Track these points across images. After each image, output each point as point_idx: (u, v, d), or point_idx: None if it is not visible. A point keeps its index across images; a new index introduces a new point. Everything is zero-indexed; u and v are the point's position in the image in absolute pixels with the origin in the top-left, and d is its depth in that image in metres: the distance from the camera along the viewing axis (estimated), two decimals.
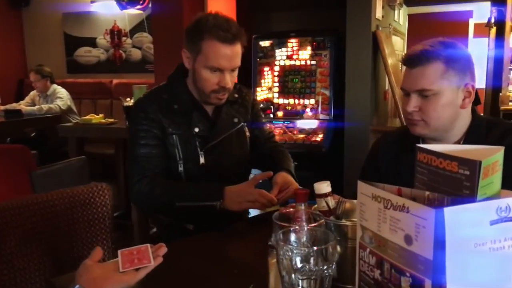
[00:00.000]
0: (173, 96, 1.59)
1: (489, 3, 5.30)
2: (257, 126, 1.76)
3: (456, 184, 0.68)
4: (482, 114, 1.38)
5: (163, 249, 0.97)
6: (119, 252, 0.95)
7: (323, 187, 0.97)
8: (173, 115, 1.56)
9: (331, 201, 0.97)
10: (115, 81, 5.42)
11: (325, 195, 0.97)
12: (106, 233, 1.58)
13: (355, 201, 1.05)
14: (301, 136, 3.48)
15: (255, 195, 1.39)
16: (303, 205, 0.90)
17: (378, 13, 3.51)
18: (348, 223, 0.92)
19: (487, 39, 5.58)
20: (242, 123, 1.67)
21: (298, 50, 3.65)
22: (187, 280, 1.10)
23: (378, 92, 3.79)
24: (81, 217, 1.51)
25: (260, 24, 4.06)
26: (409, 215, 0.66)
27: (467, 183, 0.66)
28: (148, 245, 0.97)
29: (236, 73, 1.55)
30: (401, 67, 4.36)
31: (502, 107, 4.69)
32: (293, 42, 3.66)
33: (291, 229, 0.78)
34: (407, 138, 1.38)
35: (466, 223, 0.63)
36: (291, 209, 0.90)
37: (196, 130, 1.57)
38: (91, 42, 5.73)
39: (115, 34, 5.40)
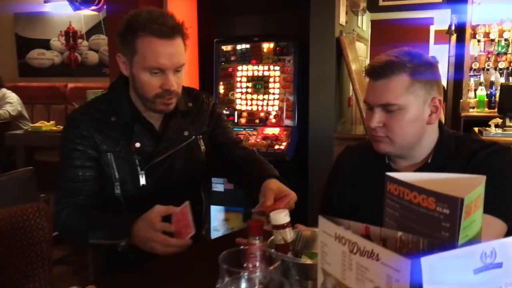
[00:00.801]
0: (111, 107, 1.40)
1: (449, 10, 5.38)
2: (222, 131, 1.57)
3: (434, 224, 0.57)
4: (449, 130, 1.31)
5: None
6: None
7: (281, 217, 0.84)
8: (109, 129, 1.37)
9: (290, 233, 0.85)
10: (70, 85, 5.18)
11: (282, 227, 0.84)
12: (44, 260, 1.41)
13: (316, 229, 0.94)
14: (265, 143, 3.37)
15: (157, 240, 1.12)
16: (257, 239, 0.78)
17: (342, 18, 3.46)
18: (308, 261, 0.80)
19: (447, 45, 5.67)
20: (194, 137, 1.48)
21: (261, 55, 3.55)
22: None
23: (342, 99, 3.74)
24: (14, 243, 1.34)
25: (222, 28, 3.93)
26: (379, 264, 0.54)
27: (447, 224, 0.56)
28: None
29: (182, 74, 1.36)
30: (364, 77, 4.34)
31: (463, 114, 4.74)
32: (256, 47, 3.55)
33: (241, 274, 0.65)
34: (372, 153, 1.28)
35: (446, 274, 0.52)
36: (242, 247, 0.78)
37: (138, 145, 1.38)
38: (45, 44, 5.48)
39: (70, 36, 5.15)
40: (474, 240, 0.59)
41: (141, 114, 1.41)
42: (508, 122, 3.32)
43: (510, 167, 1.15)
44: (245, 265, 0.74)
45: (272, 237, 0.87)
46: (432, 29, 6.73)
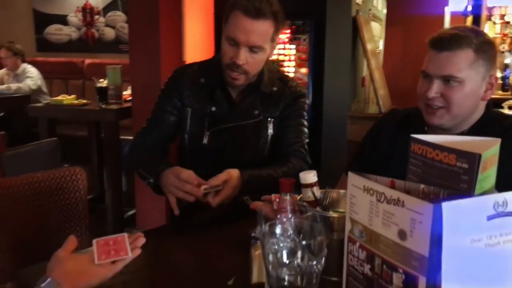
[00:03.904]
0: (205, 70, 1.56)
1: None
2: (290, 125, 1.55)
3: (453, 178, 0.65)
4: (496, 109, 1.34)
5: (141, 240, 0.92)
6: (94, 242, 0.89)
7: (309, 177, 0.93)
8: (198, 88, 1.54)
9: (317, 191, 0.94)
10: (87, 61, 5.25)
11: (311, 185, 0.93)
12: (80, 219, 1.52)
13: (341, 191, 1.03)
14: None
15: (180, 183, 1.27)
16: (288, 195, 0.86)
17: None
18: (335, 214, 0.89)
19: None
20: (262, 117, 1.52)
21: None
22: (166, 273, 1.05)
23: (356, 78, 3.78)
24: (53, 203, 1.45)
25: None
26: (404, 210, 0.63)
27: (465, 177, 0.64)
28: (125, 235, 0.92)
29: (258, 56, 1.42)
30: (377, 50, 4.36)
31: None
32: None
33: (278, 221, 0.74)
34: (413, 118, 1.33)
35: (463, 218, 0.61)
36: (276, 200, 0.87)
37: (213, 109, 1.52)
38: (62, 20, 5.51)
39: (87, 12, 5.22)
40: (488, 193, 0.67)
41: (225, 82, 1.52)
42: None
43: None
44: (278, 216, 0.82)
45: (301, 195, 0.96)
46: (448, 11, 6.66)
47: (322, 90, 3.37)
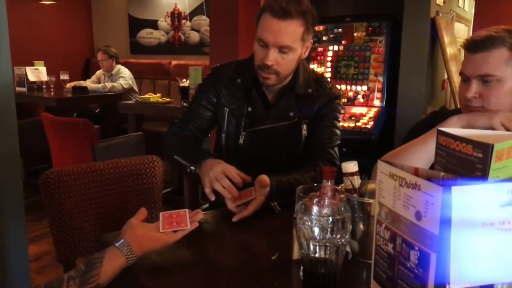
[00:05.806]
0: (241, 70, 1.59)
1: None
2: (324, 125, 1.57)
3: (470, 166, 0.70)
4: None
5: (199, 215, 1.07)
6: (160, 214, 1.05)
7: (350, 166, 1.01)
8: (234, 88, 1.58)
9: (357, 181, 1.02)
10: (173, 62, 5.62)
11: (351, 174, 1.01)
12: (155, 202, 1.71)
13: None
14: (351, 122, 3.47)
15: (220, 178, 1.30)
16: (329, 182, 0.95)
17: None
18: (371, 201, 0.96)
19: None
20: (297, 119, 1.54)
21: (353, 35, 3.61)
22: (215, 248, 1.19)
23: (436, 81, 3.69)
24: (133, 186, 1.65)
25: (315, 9, 4.04)
26: (420, 193, 0.69)
27: (480, 165, 0.69)
28: (187, 210, 1.07)
29: (288, 56, 1.44)
30: (460, 53, 4.20)
31: None
32: (348, 27, 3.62)
33: (313, 201, 0.84)
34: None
35: (474, 203, 0.66)
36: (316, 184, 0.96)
37: (249, 109, 1.56)
38: (153, 24, 5.95)
39: (175, 16, 5.59)
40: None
41: (260, 83, 1.55)
42: None
43: None
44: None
45: (343, 184, 1.04)
46: None
47: (396, 91, 3.34)
